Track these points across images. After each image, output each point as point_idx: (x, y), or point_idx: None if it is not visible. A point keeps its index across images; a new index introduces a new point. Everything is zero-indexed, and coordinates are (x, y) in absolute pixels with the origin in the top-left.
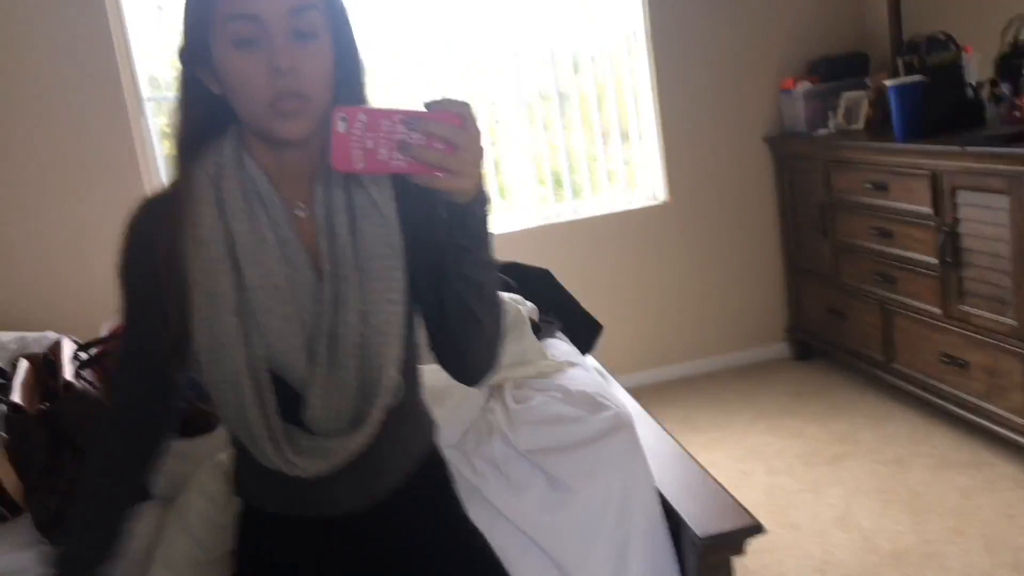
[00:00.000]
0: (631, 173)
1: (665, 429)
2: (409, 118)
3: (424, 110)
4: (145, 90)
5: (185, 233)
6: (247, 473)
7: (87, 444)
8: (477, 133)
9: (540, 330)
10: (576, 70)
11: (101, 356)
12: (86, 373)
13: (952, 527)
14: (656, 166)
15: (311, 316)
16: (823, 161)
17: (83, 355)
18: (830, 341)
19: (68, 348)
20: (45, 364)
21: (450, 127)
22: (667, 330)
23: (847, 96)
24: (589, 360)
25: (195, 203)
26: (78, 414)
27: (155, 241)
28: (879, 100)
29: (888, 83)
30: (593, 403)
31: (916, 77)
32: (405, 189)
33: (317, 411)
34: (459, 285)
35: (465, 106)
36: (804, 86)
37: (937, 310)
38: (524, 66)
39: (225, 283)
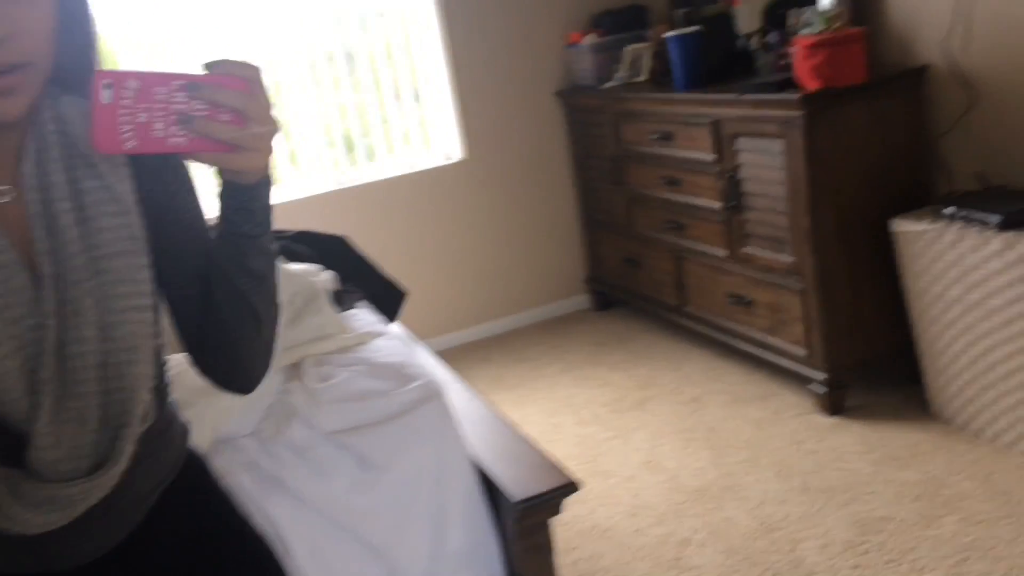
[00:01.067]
0: (425, 132)
1: (476, 393)
2: (189, 84)
3: (205, 74)
4: None
5: None
6: None
7: None
8: (268, 100)
9: (340, 301)
10: (363, 28)
11: None
12: None
13: (747, 458)
14: (450, 124)
15: (28, 331)
16: (612, 113)
17: None
18: (627, 289)
19: None
20: None
21: (237, 93)
22: (472, 290)
23: (630, 48)
24: (395, 328)
25: None
26: None
27: None
28: (660, 52)
29: (667, 35)
30: (400, 375)
31: (692, 28)
32: (142, 167)
33: (47, 452)
34: (241, 280)
35: (253, 68)
36: (590, 39)
37: (723, 253)
38: (307, 24)
39: None
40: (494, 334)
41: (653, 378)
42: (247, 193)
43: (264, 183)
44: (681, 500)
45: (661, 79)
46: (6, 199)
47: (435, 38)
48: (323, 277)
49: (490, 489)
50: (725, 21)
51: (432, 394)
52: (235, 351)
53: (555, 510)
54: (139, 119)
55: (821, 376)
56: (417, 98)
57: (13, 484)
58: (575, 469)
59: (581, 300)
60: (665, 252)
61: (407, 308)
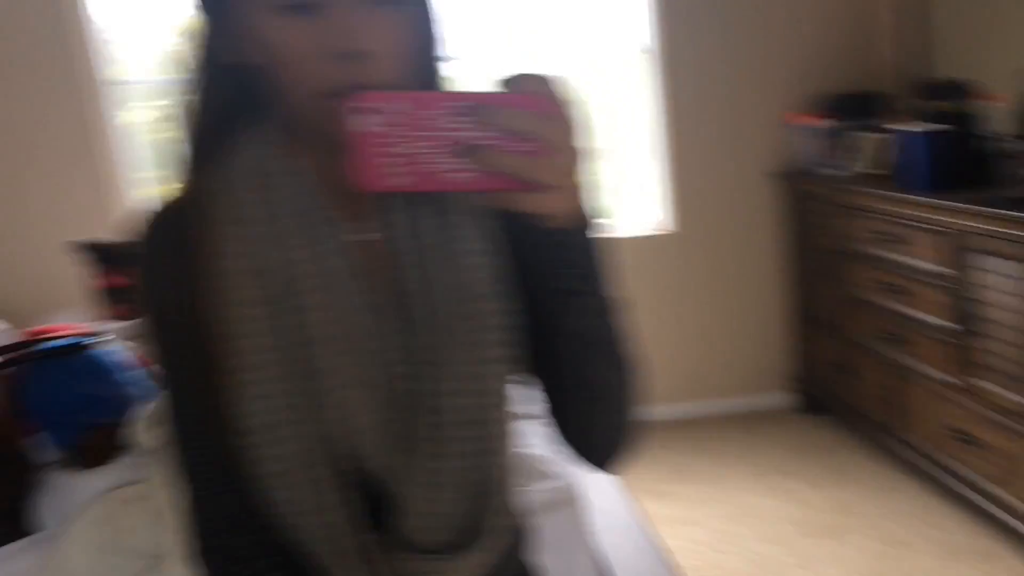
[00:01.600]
0: (632, 199)
1: (629, 496)
2: (471, 105)
3: (492, 92)
4: (103, 71)
5: (204, 267)
6: None
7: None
8: (576, 126)
9: None
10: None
11: (12, 362)
12: None
13: None
14: (661, 194)
15: (395, 382)
16: (833, 204)
17: None
18: (837, 396)
19: None
20: None
21: (535, 115)
22: (664, 367)
23: (860, 136)
24: None
25: (220, 224)
26: None
27: (181, 261)
28: (893, 144)
29: (902, 128)
30: (536, 470)
31: (933, 124)
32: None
33: (416, 518)
34: (566, 343)
35: (557, 83)
36: (815, 121)
37: (950, 379)
38: (556, 63)
39: (274, 334)
40: (684, 417)
41: (853, 505)
42: (559, 239)
43: (582, 227)
44: None
45: (892, 174)
46: (375, 236)
47: (653, 102)
48: None
49: None
50: (970, 121)
51: (566, 499)
52: (574, 422)
53: None
54: (408, 150)
55: None
56: (628, 160)
57: (367, 553)
58: None
59: (784, 398)
60: (881, 365)
61: None
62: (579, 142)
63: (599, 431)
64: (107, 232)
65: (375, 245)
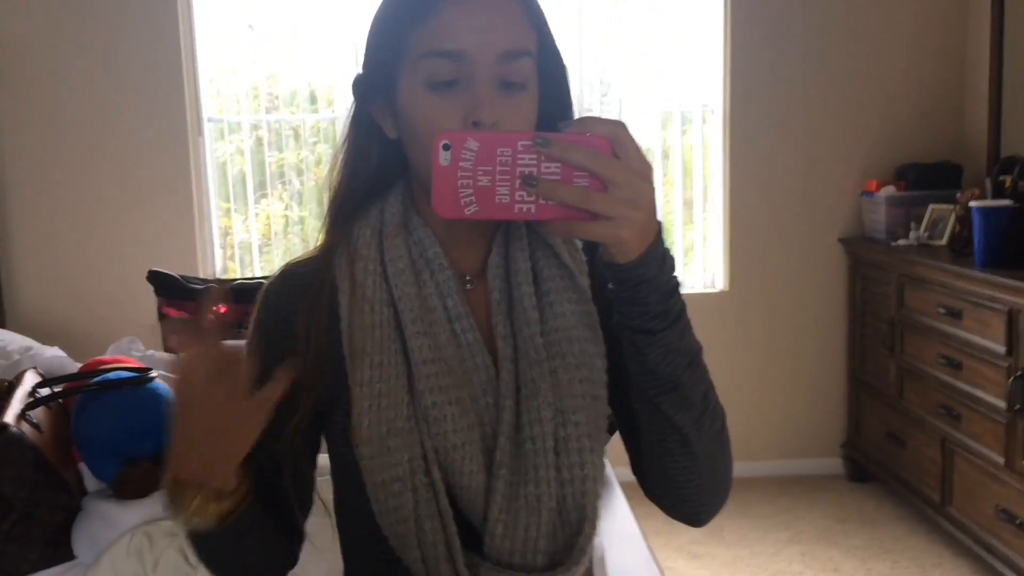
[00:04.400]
0: (690, 254)
1: (654, 558)
2: (538, 140)
3: (559, 132)
4: (207, 111)
5: (343, 296)
6: None
7: None
8: (638, 163)
9: None
10: (664, 127)
11: (65, 394)
12: (36, 412)
13: None
14: (718, 251)
15: (485, 410)
16: (898, 274)
17: (41, 392)
18: (886, 467)
19: (29, 381)
20: (3, 393)
21: (595, 153)
22: None
23: (934, 208)
24: None
25: (357, 260)
26: (5, 460)
27: (294, 314)
28: (967, 218)
29: (973, 204)
30: None
31: (1004, 201)
32: (596, 254)
33: (499, 538)
34: (645, 383)
35: (617, 125)
36: (888, 191)
37: (1000, 459)
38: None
39: (395, 351)
40: None
41: None
42: (627, 273)
43: (651, 262)
44: None
45: (961, 248)
46: (472, 286)
47: (718, 156)
48: None
49: None
50: None
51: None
52: (662, 470)
53: None
54: (480, 182)
55: None
56: (688, 217)
57: (477, 568)
58: None
59: (832, 464)
60: (933, 439)
61: None
62: (640, 179)
63: (688, 481)
64: (179, 265)
65: (475, 291)
